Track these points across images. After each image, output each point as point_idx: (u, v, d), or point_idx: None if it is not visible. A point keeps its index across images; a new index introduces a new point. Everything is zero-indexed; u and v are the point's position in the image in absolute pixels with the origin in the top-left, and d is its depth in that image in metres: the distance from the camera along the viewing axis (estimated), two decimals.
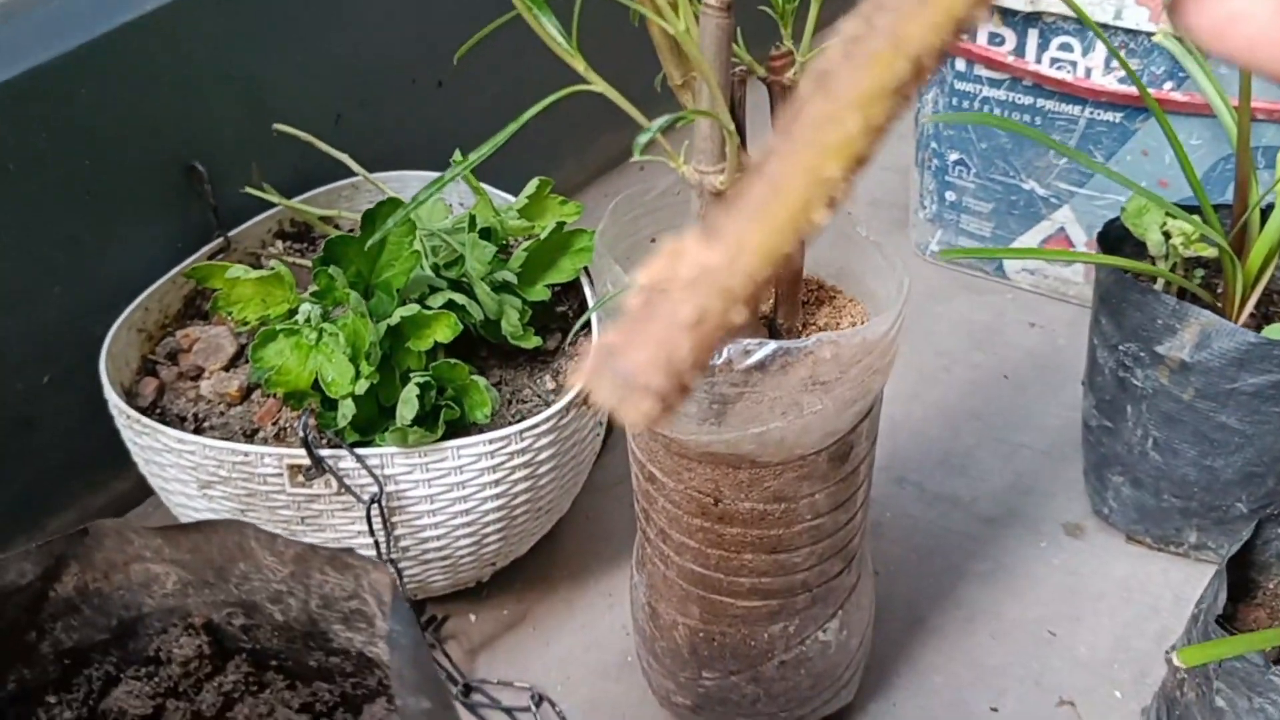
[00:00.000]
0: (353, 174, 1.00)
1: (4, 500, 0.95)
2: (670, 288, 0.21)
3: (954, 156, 1.19)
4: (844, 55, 0.22)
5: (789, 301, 0.70)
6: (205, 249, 0.96)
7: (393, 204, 0.79)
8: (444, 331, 0.80)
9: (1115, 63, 1.04)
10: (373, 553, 0.81)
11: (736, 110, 0.59)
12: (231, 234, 0.97)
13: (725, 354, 0.61)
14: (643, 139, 0.48)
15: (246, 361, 0.91)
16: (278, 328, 0.79)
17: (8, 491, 0.95)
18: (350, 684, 0.48)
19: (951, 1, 0.21)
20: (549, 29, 0.52)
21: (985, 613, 0.95)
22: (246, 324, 0.82)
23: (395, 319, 0.79)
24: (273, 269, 0.80)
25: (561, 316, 0.94)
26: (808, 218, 0.21)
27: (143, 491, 1.02)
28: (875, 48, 0.21)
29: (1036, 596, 0.96)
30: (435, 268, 0.86)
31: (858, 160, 0.21)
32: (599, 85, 0.55)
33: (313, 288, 0.81)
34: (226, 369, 0.90)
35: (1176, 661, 0.60)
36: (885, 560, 0.98)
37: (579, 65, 0.54)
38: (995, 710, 0.88)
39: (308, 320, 0.79)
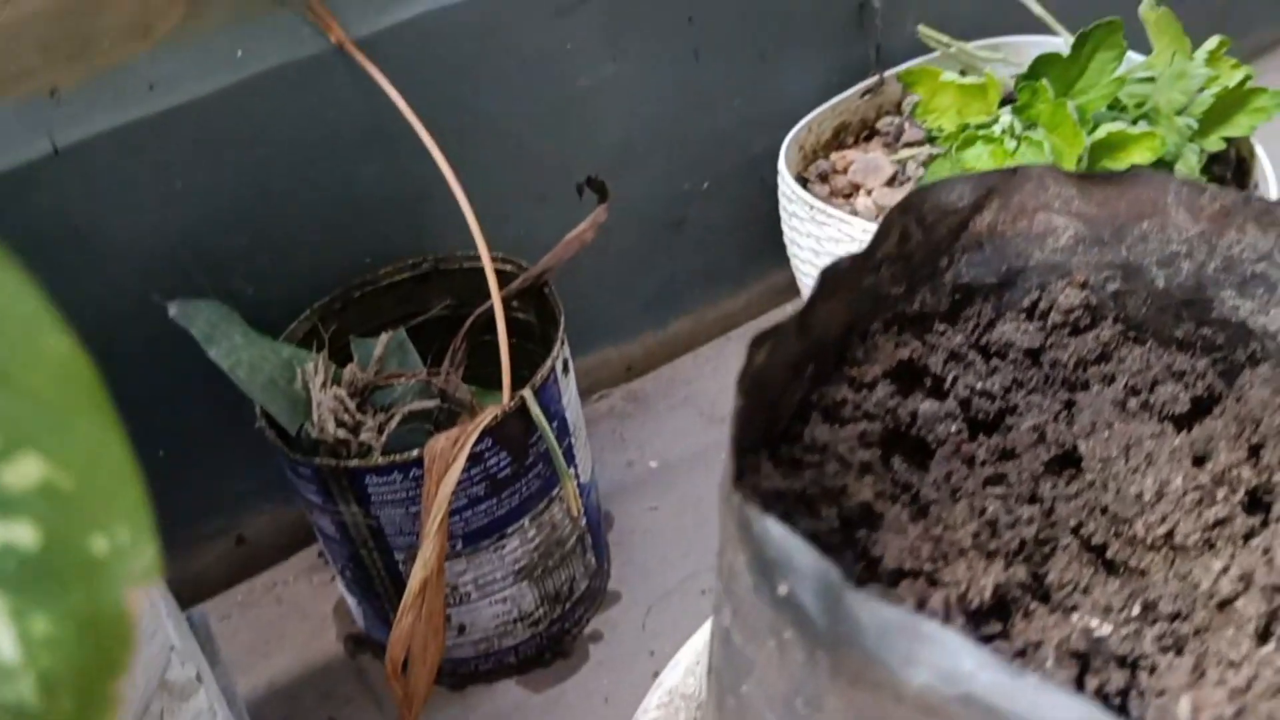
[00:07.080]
0: (1022, 34, 1.02)
1: (646, 295, 1.06)
2: None
3: None
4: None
5: None
6: (858, 86, 1.03)
7: (1110, 26, 0.82)
8: (1144, 154, 0.81)
9: None
10: None
11: None
12: (886, 74, 1.03)
13: None
14: None
15: (905, 182, 0.96)
16: (978, 133, 0.84)
17: (652, 287, 1.06)
18: (1210, 359, 0.51)
19: None
20: None
21: None
22: (941, 131, 0.87)
23: (1101, 133, 0.81)
24: (981, 79, 0.85)
25: (1218, 179, 0.93)
26: None
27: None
28: None
29: None
30: (1116, 102, 0.88)
31: None
32: None
33: (1013, 103, 0.84)
34: (889, 185, 0.96)
35: None
36: None
37: None
38: None
39: (1009, 129, 0.83)
